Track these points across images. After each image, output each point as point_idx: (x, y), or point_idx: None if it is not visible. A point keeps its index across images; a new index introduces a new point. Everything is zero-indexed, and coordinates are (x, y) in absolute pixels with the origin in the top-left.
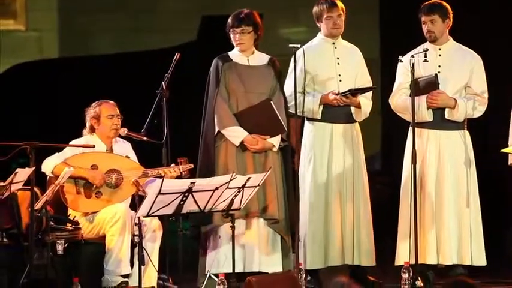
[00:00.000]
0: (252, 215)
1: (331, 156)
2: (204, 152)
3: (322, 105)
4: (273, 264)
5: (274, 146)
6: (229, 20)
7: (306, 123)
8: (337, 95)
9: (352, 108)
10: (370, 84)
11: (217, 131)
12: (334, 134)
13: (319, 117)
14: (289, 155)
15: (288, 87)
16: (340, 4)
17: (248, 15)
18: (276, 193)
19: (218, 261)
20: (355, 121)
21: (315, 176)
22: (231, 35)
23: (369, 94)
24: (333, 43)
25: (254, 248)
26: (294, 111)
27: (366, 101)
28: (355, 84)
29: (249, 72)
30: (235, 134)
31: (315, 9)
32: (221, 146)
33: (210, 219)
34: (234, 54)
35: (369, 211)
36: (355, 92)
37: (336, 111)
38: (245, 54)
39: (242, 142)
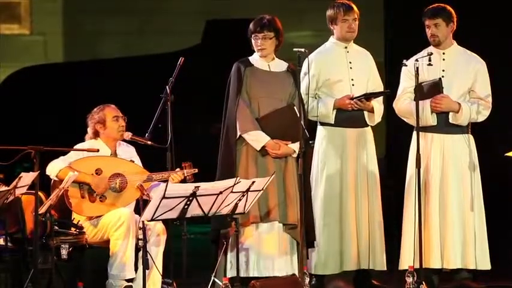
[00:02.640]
0: (270, 219)
1: (345, 161)
2: (224, 156)
3: (335, 110)
4: (288, 268)
5: (295, 151)
6: (251, 26)
7: (319, 127)
8: (351, 99)
9: (365, 113)
10: (381, 88)
11: (239, 135)
12: (348, 138)
13: (332, 121)
14: (308, 160)
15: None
16: (355, 8)
17: (270, 21)
18: (295, 199)
19: (234, 265)
20: (368, 125)
21: (329, 181)
22: (253, 41)
23: (380, 98)
24: (345, 47)
25: (273, 252)
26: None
27: (378, 105)
28: (367, 87)
29: (270, 78)
30: (257, 138)
31: (330, 12)
32: (242, 150)
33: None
34: (255, 60)
35: (381, 215)
36: (369, 97)
37: (348, 115)
38: (266, 59)
39: (263, 147)
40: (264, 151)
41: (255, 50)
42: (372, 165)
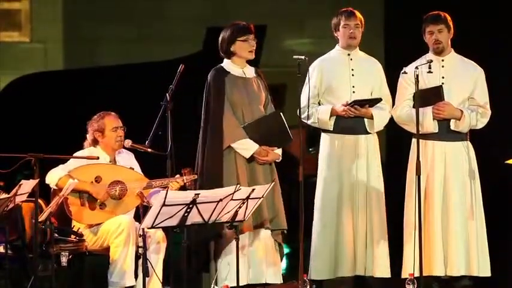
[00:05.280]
0: (263, 226)
1: (342, 167)
2: (211, 165)
3: (333, 117)
4: (278, 275)
5: (280, 156)
6: (235, 31)
7: (322, 134)
8: (346, 106)
9: (366, 120)
10: (389, 97)
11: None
12: (347, 145)
13: (331, 128)
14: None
15: (302, 99)
16: (358, 15)
17: (250, 24)
18: (282, 204)
19: (228, 273)
20: (369, 132)
21: (327, 186)
22: (241, 44)
23: (386, 106)
24: (349, 54)
25: (262, 259)
26: (305, 122)
27: (379, 113)
28: (371, 95)
29: (247, 84)
30: (246, 146)
31: (334, 20)
32: (230, 158)
33: (218, 233)
34: (229, 67)
35: (384, 222)
36: (361, 103)
37: (348, 122)
38: (240, 66)
39: (251, 154)
40: (251, 158)
41: (244, 54)
42: (373, 172)
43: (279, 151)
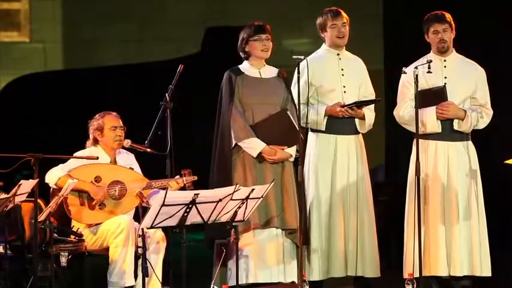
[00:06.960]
0: (270, 225)
1: (334, 168)
2: (219, 166)
3: (326, 117)
4: (290, 274)
5: (291, 155)
6: (250, 30)
7: (310, 134)
8: (342, 107)
9: (357, 120)
10: (373, 96)
11: (235, 144)
12: (338, 145)
13: (323, 128)
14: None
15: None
16: (344, 14)
17: (265, 24)
18: (293, 203)
19: (234, 273)
20: (359, 133)
21: (318, 187)
22: (254, 44)
23: (372, 106)
24: (337, 54)
25: (271, 258)
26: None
27: (369, 113)
28: (359, 95)
29: (262, 84)
30: (253, 145)
31: (319, 20)
32: (238, 158)
33: (227, 232)
34: (245, 67)
35: (373, 222)
36: (360, 105)
37: (340, 122)
38: (256, 66)
39: (259, 153)
40: (260, 157)
41: (257, 53)
42: (362, 172)
43: (291, 150)
